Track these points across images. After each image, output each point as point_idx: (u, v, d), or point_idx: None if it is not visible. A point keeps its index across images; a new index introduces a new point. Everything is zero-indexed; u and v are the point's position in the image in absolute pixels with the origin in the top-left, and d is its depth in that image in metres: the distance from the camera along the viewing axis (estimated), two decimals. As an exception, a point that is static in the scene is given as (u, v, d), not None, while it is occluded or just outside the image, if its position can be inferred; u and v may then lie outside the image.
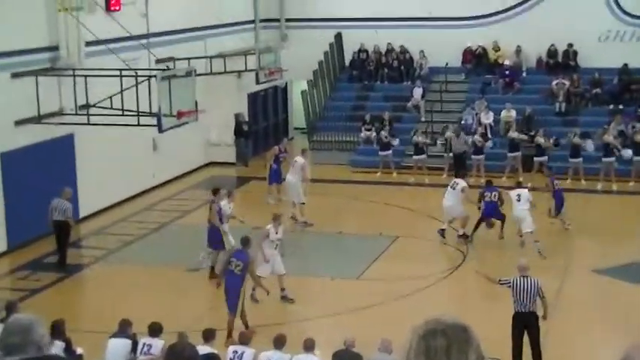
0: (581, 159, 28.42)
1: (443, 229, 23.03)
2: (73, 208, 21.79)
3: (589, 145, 28.87)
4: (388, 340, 13.36)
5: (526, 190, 22.79)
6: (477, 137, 29.55)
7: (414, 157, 29.96)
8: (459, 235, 22.85)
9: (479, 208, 22.70)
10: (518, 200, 22.04)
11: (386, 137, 30.56)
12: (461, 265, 21.33)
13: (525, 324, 15.18)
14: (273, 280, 18.66)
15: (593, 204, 26.92)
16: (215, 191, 21.24)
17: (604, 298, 19.20)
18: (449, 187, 23.23)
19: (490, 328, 14.67)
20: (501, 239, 22.70)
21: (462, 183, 22.91)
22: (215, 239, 20.31)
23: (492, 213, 22.58)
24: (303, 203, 24.75)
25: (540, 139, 28.58)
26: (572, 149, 28.54)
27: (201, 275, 20.66)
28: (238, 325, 16.56)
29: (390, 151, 30.64)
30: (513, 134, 29.36)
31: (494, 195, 22.71)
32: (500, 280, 15.46)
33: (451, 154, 29.76)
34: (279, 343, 13.77)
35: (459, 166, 28.11)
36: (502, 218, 22.62)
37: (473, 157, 29.33)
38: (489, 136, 30.73)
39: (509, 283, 15.15)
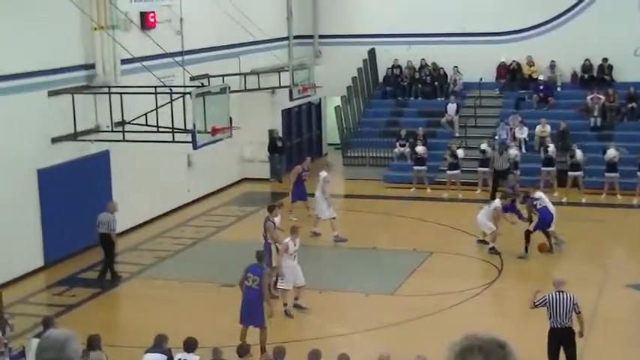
0: (617, 174, 28.20)
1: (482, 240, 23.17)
2: (115, 221, 21.85)
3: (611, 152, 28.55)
4: (423, 357, 13.31)
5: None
6: (514, 152, 29.42)
7: (448, 172, 29.88)
8: (490, 248, 22.86)
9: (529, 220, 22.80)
10: None
11: (423, 152, 30.52)
12: (495, 280, 21.22)
13: (561, 340, 15.08)
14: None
15: (630, 219, 26.69)
16: (271, 208, 21.28)
17: (638, 313, 19.05)
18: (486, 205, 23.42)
19: (526, 344, 14.56)
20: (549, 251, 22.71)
21: (496, 203, 22.94)
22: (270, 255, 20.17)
23: (547, 221, 22.56)
24: (334, 217, 24.72)
25: (579, 156, 28.33)
26: (608, 164, 28.33)
27: (236, 291, 20.66)
28: (272, 339, 16.57)
29: (425, 167, 30.60)
30: (551, 153, 29.09)
31: (540, 202, 22.82)
32: (535, 303, 15.26)
33: (484, 170, 29.61)
34: (315, 358, 13.74)
35: (498, 183, 28.04)
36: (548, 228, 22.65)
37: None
38: (524, 151, 30.56)
39: (545, 300, 15.03)
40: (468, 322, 17.54)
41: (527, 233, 22.70)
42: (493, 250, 22.82)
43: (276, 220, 20.78)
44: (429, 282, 21.20)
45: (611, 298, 19.80)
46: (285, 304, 18.76)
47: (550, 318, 15.07)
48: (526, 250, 22.73)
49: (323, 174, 25.24)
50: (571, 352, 15.10)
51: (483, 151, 29.68)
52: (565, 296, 14.99)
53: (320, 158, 36.21)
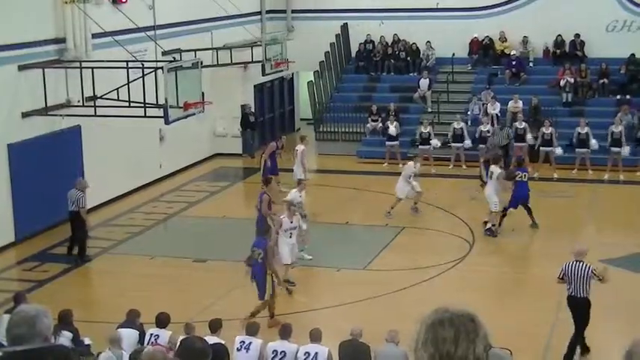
0: (588, 149, 28.35)
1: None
2: (84, 198, 21.55)
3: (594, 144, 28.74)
4: (395, 331, 13.37)
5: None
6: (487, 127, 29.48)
7: (420, 147, 29.91)
8: (486, 229, 22.64)
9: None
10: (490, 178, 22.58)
11: (395, 128, 30.56)
12: (467, 255, 21.32)
13: (575, 309, 15.35)
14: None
15: (600, 194, 26.85)
16: (267, 181, 21.46)
17: (609, 288, 19.16)
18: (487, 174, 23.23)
19: (497, 317, 14.71)
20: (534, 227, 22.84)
21: (496, 170, 22.74)
22: (262, 229, 19.98)
23: (524, 194, 22.63)
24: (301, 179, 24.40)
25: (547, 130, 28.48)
26: (579, 140, 28.48)
27: (208, 266, 20.71)
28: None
29: (397, 142, 30.64)
30: (520, 125, 29.18)
31: (525, 175, 22.86)
32: (558, 276, 15.45)
33: (458, 145, 29.66)
34: (285, 333, 13.80)
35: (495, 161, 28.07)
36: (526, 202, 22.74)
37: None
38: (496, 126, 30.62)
39: (562, 270, 15.31)
40: (439, 296, 17.62)
41: (504, 211, 22.80)
42: (490, 232, 22.51)
43: (293, 192, 20.94)
44: (401, 257, 21.28)
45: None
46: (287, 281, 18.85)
47: (567, 286, 15.33)
48: (499, 225, 22.82)
49: (300, 147, 25.38)
50: (582, 323, 15.34)
51: (461, 129, 29.78)
52: (582, 266, 15.20)
53: (293, 133, 36.17)
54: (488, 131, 29.27)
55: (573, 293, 15.27)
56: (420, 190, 24.15)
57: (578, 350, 15.55)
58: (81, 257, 21.61)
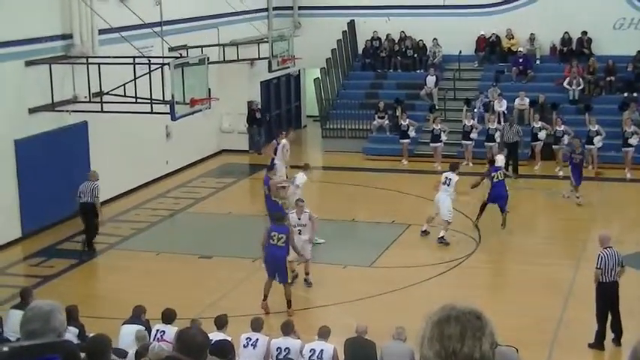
0: (594, 146, 28.28)
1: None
2: (99, 188, 21.74)
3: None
4: (402, 328, 13.36)
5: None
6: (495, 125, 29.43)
7: (431, 144, 29.90)
8: (439, 237, 22.09)
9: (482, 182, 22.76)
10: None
11: (407, 126, 30.55)
12: (473, 252, 21.31)
13: (610, 294, 15.58)
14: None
15: (607, 192, 26.81)
16: (270, 167, 22.01)
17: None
18: (441, 182, 22.38)
19: (503, 314, 14.70)
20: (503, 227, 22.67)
21: (454, 178, 22.21)
22: (275, 213, 20.06)
23: (501, 193, 22.49)
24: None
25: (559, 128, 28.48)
26: (588, 137, 28.41)
27: (214, 262, 20.72)
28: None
29: (409, 140, 30.62)
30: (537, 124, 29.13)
31: (500, 174, 22.72)
32: (597, 267, 15.62)
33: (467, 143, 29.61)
34: (287, 329, 13.79)
35: (512, 157, 27.94)
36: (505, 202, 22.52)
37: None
38: (503, 124, 30.56)
39: (602, 259, 15.54)
40: (445, 293, 17.61)
41: (483, 205, 22.73)
42: (442, 240, 21.91)
43: (299, 175, 21.87)
44: (407, 254, 21.27)
45: (589, 270, 19.86)
46: (306, 274, 19.08)
47: (600, 273, 15.55)
48: (477, 218, 22.77)
49: (283, 141, 25.34)
50: (616, 306, 15.63)
51: (471, 127, 29.72)
52: (613, 252, 15.62)
53: (299, 130, 36.20)
54: (496, 129, 29.24)
55: (607, 279, 15.54)
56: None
57: (611, 335, 15.73)
58: (90, 247, 21.81)
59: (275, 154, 26.08)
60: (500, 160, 23.41)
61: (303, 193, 21.31)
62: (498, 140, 29.02)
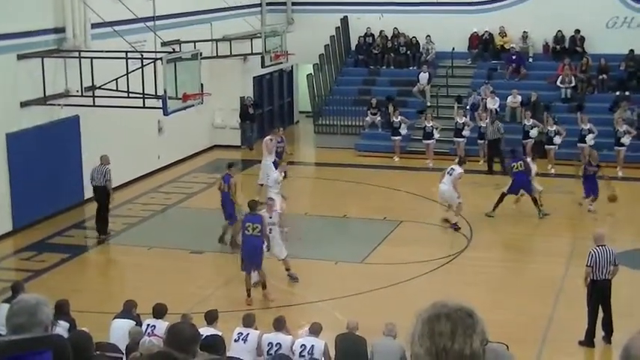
0: (586, 144, 28.31)
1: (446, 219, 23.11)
2: (110, 172, 22.26)
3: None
4: (392, 324, 13.38)
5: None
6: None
7: (423, 141, 29.93)
8: (452, 224, 22.66)
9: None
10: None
11: (399, 123, 30.58)
12: (465, 249, 21.34)
13: (601, 292, 15.64)
14: (273, 262, 18.73)
15: (600, 191, 26.80)
16: (230, 165, 21.79)
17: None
18: (446, 172, 23.04)
19: (494, 311, 14.73)
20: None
21: (458, 169, 22.79)
22: (229, 211, 20.93)
23: (523, 183, 23.05)
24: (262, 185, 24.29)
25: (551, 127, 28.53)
26: (581, 136, 28.43)
27: (205, 258, 20.72)
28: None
29: (400, 137, 30.64)
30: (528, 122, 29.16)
31: (520, 164, 23.21)
32: (587, 264, 15.71)
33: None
34: (279, 325, 13.81)
35: (494, 153, 28.14)
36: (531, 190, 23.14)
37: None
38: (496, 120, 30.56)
39: (592, 256, 15.62)
40: (436, 290, 17.66)
41: (502, 195, 23.28)
42: (455, 226, 22.60)
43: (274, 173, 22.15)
44: (399, 250, 21.29)
45: (581, 268, 19.88)
46: (287, 269, 19.05)
47: (592, 271, 15.61)
48: (493, 209, 23.29)
49: (269, 137, 25.27)
50: (608, 304, 15.70)
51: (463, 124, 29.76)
52: (606, 249, 15.67)
53: (292, 126, 36.22)
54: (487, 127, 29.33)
55: (599, 277, 15.59)
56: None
57: (602, 333, 15.81)
58: (104, 231, 22.25)
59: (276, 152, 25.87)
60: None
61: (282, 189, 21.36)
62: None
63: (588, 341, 15.74)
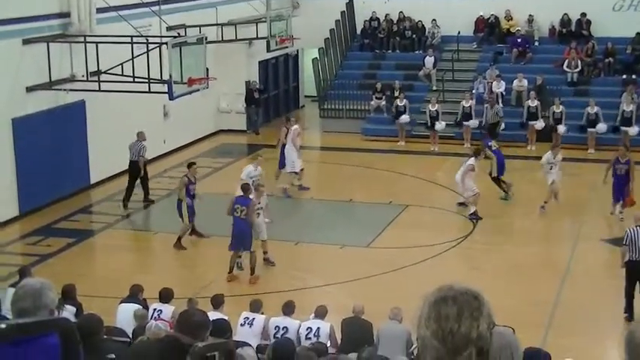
0: (595, 129, 28.28)
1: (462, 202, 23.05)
2: (145, 148, 23.49)
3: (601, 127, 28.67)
4: (398, 308, 13.40)
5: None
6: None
7: (428, 125, 29.88)
8: (471, 214, 22.46)
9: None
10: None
11: (403, 107, 30.53)
12: (471, 233, 21.34)
13: (636, 271, 15.68)
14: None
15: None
16: (190, 165, 21.52)
17: (613, 267, 19.21)
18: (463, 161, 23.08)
19: (500, 295, 14.73)
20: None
21: (470, 161, 22.56)
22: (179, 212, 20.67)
23: (503, 160, 23.52)
24: (302, 169, 24.54)
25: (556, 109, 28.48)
26: (588, 120, 28.39)
27: (211, 242, 20.74)
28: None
29: (408, 120, 30.58)
30: (532, 103, 29.10)
31: (495, 142, 23.99)
32: (623, 243, 15.81)
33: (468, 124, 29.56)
34: (288, 309, 13.85)
35: (492, 136, 28.07)
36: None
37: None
38: (501, 105, 30.46)
39: (628, 235, 15.67)
40: (442, 274, 17.65)
41: (495, 179, 23.39)
42: (474, 216, 22.33)
43: (249, 169, 21.42)
44: (404, 235, 21.29)
45: (586, 252, 19.96)
46: (264, 252, 19.04)
47: (628, 251, 15.67)
48: (505, 192, 23.49)
49: (295, 126, 25.01)
50: None
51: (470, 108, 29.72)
52: None
53: (297, 110, 36.19)
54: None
55: (635, 258, 15.60)
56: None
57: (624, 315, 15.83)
58: (147, 199, 23.56)
59: (285, 139, 25.82)
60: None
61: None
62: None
63: (630, 315, 15.69)
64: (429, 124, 29.78)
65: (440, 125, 29.50)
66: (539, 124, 28.92)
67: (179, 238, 20.26)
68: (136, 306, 14.04)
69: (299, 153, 24.59)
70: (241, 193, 18.74)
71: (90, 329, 7.51)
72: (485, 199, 22.92)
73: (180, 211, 20.41)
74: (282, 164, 24.73)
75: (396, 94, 31.39)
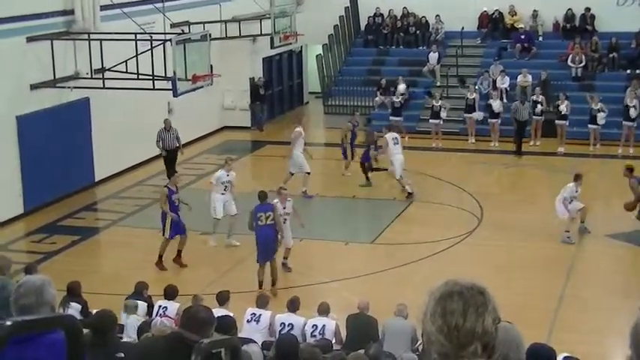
0: (598, 125, 28.22)
1: None
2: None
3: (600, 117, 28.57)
4: (403, 305, 13.41)
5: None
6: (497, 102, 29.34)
7: (430, 121, 29.86)
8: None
9: None
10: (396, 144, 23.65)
11: (400, 103, 30.54)
12: (475, 229, 21.32)
13: None
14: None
15: (610, 169, 26.76)
16: (170, 175, 21.49)
17: (618, 263, 19.23)
18: None
19: (504, 291, 14.72)
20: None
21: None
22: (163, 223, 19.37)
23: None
24: (308, 173, 24.09)
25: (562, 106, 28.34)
26: (591, 116, 28.35)
27: (216, 239, 20.71)
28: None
29: (400, 118, 30.54)
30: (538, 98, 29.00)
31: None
32: None
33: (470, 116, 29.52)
34: (293, 306, 13.86)
35: (521, 134, 27.93)
36: None
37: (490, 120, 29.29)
38: (505, 100, 30.43)
39: None
40: (447, 270, 17.63)
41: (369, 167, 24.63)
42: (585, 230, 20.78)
43: (219, 173, 20.91)
44: (409, 231, 21.30)
45: (591, 248, 19.95)
46: (284, 258, 18.75)
47: None
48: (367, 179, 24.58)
49: (298, 129, 24.49)
50: None
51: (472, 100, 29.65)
52: None
53: (301, 106, 36.21)
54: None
55: None
56: (583, 206, 20.69)
57: None
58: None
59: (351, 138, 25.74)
60: None
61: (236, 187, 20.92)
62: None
63: None
64: (429, 118, 29.79)
65: (443, 115, 29.48)
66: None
67: (160, 257, 19.08)
68: (141, 303, 14.07)
69: (304, 155, 24.29)
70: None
71: (104, 325, 7.53)
72: (490, 195, 22.90)
73: (164, 223, 19.13)
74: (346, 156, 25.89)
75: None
